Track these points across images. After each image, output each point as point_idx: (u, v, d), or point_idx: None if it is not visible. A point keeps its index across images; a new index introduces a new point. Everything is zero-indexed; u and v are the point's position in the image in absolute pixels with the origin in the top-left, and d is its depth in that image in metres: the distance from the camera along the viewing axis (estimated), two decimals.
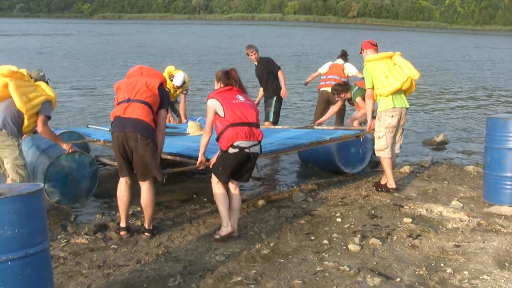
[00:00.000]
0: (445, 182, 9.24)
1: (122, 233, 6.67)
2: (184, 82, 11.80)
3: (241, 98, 6.52)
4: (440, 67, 35.61)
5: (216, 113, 6.44)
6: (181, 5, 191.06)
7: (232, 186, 6.71)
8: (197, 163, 7.00)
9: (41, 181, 7.57)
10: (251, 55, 11.80)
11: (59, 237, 6.66)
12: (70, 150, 7.70)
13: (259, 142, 6.57)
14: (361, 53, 8.92)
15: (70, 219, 7.39)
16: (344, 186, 9.02)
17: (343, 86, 10.95)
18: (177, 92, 12.11)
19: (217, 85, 6.67)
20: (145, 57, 35.82)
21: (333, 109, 11.42)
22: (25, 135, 7.66)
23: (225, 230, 6.55)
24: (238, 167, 6.53)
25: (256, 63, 11.97)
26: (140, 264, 5.83)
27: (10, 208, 3.91)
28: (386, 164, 8.61)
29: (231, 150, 6.38)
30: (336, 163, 9.74)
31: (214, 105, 6.44)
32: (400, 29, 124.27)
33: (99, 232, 6.78)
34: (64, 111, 16.16)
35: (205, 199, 8.16)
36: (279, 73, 11.76)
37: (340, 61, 12.38)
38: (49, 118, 7.26)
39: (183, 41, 58.14)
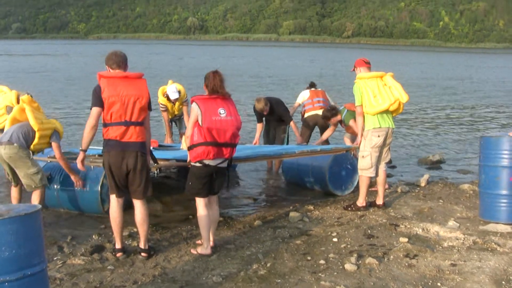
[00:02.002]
0: (441, 200, 9.25)
1: (118, 254, 6.64)
2: (179, 92, 11.78)
3: (222, 113, 6.46)
4: (436, 85, 35.69)
5: (197, 119, 6.48)
6: (176, 25, 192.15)
7: (209, 200, 6.84)
8: (188, 161, 6.96)
9: (96, 187, 8.22)
10: (266, 111, 11.29)
11: (55, 258, 6.64)
12: (79, 183, 8.21)
13: (227, 159, 6.67)
14: (353, 70, 8.95)
15: (66, 239, 7.36)
16: (340, 206, 9.00)
17: (332, 111, 10.88)
18: (176, 106, 12.08)
19: (204, 87, 6.67)
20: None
21: (327, 133, 11.26)
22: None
23: (204, 251, 6.75)
24: (207, 180, 6.67)
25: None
26: (137, 285, 5.82)
27: (8, 229, 3.92)
28: (363, 183, 8.69)
29: (197, 164, 6.57)
30: (327, 184, 9.80)
31: (196, 110, 6.47)
32: (395, 48, 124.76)
33: (96, 253, 6.76)
34: None
35: None
36: (292, 124, 11.43)
37: (313, 89, 12.28)
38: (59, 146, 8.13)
39: (178, 61, 58.31)
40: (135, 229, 7.39)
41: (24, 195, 8.34)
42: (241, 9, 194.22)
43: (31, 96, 8.33)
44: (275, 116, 11.40)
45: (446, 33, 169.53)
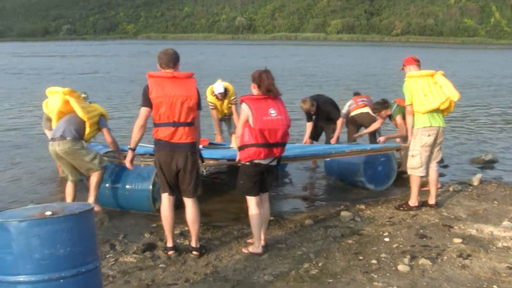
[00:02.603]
0: (495, 202, 9.07)
1: (170, 252, 6.69)
2: (225, 89, 11.78)
3: (273, 113, 6.42)
4: (489, 83, 35.06)
5: (247, 119, 6.47)
6: (224, 25, 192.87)
7: (260, 198, 6.85)
8: (236, 160, 6.99)
9: (148, 186, 8.37)
10: (313, 110, 11.28)
11: (108, 255, 6.73)
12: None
13: (277, 157, 6.68)
14: (402, 69, 8.84)
15: (118, 238, 7.45)
16: (392, 205, 8.92)
17: (382, 104, 10.88)
18: (225, 104, 12.08)
19: (252, 87, 6.62)
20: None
21: (375, 125, 11.21)
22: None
23: (256, 250, 6.75)
24: (258, 178, 6.68)
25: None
26: (188, 283, 5.85)
27: (63, 227, 3.97)
28: (414, 182, 8.59)
29: (248, 163, 6.59)
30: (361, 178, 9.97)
31: (246, 111, 6.45)
32: (445, 46, 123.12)
33: (148, 251, 6.82)
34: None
35: None
36: (339, 122, 11.39)
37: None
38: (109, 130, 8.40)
39: (228, 61, 58.51)
40: (186, 228, 7.42)
41: (78, 194, 8.44)
42: (289, 8, 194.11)
43: (87, 96, 8.49)
44: (323, 114, 11.34)
45: (498, 30, 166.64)
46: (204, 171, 7.16)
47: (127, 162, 6.76)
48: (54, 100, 8.41)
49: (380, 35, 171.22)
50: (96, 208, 7.64)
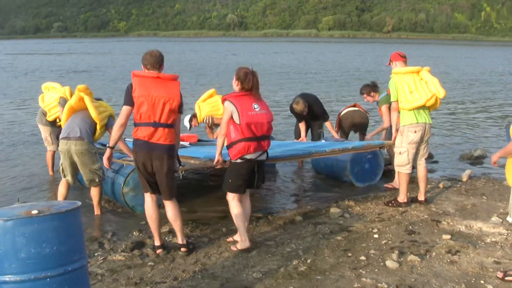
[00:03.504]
0: (484, 197, 9.10)
1: (158, 251, 6.69)
2: (191, 118, 11.60)
3: (257, 107, 6.56)
4: (478, 79, 35.18)
5: (231, 117, 6.53)
6: (215, 22, 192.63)
7: (244, 194, 6.96)
8: (214, 162, 7.07)
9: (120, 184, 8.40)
10: (306, 111, 11.16)
11: (96, 254, 6.72)
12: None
13: (265, 151, 6.78)
14: (389, 64, 8.85)
15: (107, 236, 7.43)
16: (381, 202, 8.93)
17: (370, 86, 10.95)
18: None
19: (235, 83, 6.70)
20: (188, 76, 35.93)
21: (384, 125, 11.15)
22: None
23: (243, 244, 6.77)
24: (248, 176, 6.76)
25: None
26: (177, 281, 5.85)
27: (49, 225, 3.97)
28: (403, 178, 8.61)
29: (238, 161, 6.64)
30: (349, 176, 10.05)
31: (231, 108, 6.53)
32: (437, 42, 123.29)
33: (136, 249, 6.81)
34: None
35: None
36: (327, 124, 11.47)
37: None
38: None
39: (222, 59, 58.45)
40: None
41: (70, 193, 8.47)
42: (280, 5, 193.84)
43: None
44: (312, 113, 11.33)
45: (488, 27, 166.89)
46: (181, 174, 7.21)
47: (104, 160, 6.75)
48: (51, 95, 8.42)
49: (371, 32, 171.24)
50: None
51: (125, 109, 6.38)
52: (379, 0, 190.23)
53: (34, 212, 3.98)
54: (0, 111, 20.24)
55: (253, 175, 6.81)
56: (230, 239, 7.14)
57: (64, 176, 8.28)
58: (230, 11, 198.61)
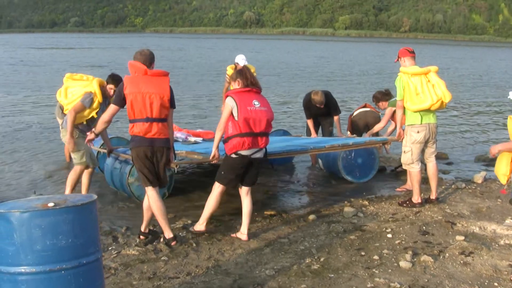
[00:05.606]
0: (499, 199, 9.05)
1: (173, 243, 6.74)
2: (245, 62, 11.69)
3: (257, 104, 6.78)
4: (497, 81, 34.97)
5: (231, 113, 6.74)
6: (232, 19, 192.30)
7: (244, 192, 7.16)
8: (210, 157, 7.26)
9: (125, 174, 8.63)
10: (323, 103, 10.99)
11: (110, 248, 6.76)
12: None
13: (262, 148, 6.95)
14: (397, 60, 8.82)
15: (121, 230, 7.47)
16: (395, 201, 8.91)
17: (383, 93, 11.03)
18: None
19: (235, 83, 6.98)
20: (202, 73, 35.99)
21: (380, 125, 11.16)
22: None
23: (199, 227, 7.24)
24: (242, 171, 6.97)
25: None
26: (190, 277, 5.87)
27: (64, 218, 3.99)
28: (414, 178, 8.65)
29: (233, 156, 6.87)
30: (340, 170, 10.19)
31: (231, 104, 6.75)
32: (453, 43, 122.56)
33: (150, 243, 6.83)
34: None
35: (255, 213, 8.09)
36: (336, 118, 11.39)
37: None
38: None
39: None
40: (189, 221, 7.55)
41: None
42: (297, 3, 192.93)
43: None
44: (328, 109, 11.27)
45: (507, 28, 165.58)
46: (175, 169, 7.44)
47: (85, 140, 7.51)
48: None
49: (388, 32, 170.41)
50: None
51: (112, 107, 6.71)
52: (396, 0, 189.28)
53: (50, 204, 4.01)
54: (20, 105, 20.37)
55: (246, 172, 7.01)
56: (196, 227, 7.30)
57: (85, 164, 8.34)
58: (247, 8, 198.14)
